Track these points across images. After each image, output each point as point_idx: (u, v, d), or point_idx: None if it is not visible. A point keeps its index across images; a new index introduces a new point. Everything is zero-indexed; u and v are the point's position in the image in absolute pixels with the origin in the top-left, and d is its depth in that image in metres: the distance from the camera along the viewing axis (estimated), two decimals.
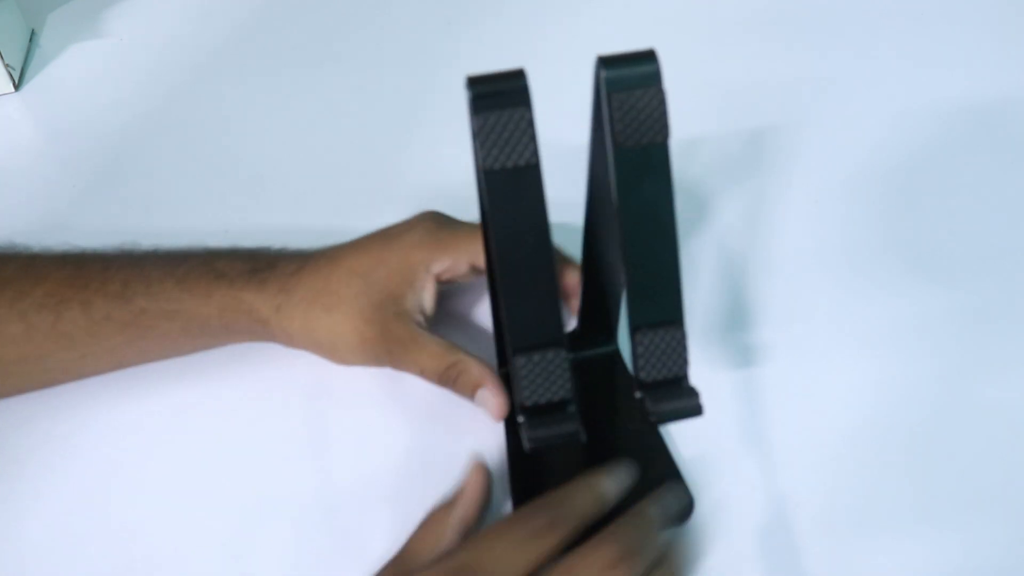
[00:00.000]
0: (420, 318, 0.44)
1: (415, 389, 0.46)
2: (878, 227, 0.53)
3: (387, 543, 0.41)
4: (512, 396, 0.39)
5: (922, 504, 0.41)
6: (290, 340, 0.45)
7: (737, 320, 0.48)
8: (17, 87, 0.67)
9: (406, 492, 0.42)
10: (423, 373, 0.44)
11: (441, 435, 0.44)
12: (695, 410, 0.36)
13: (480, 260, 0.44)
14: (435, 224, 0.45)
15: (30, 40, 0.71)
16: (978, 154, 0.56)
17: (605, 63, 0.34)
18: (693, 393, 0.37)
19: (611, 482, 0.38)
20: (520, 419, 0.36)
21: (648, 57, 0.34)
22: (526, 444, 0.36)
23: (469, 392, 0.43)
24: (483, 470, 0.40)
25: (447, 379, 0.43)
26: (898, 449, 0.43)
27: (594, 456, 0.41)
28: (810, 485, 0.42)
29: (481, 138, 0.33)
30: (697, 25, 0.68)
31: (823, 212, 0.54)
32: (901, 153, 0.57)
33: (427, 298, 0.44)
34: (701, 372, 0.46)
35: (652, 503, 0.38)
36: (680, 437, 0.44)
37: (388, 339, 0.43)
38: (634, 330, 0.36)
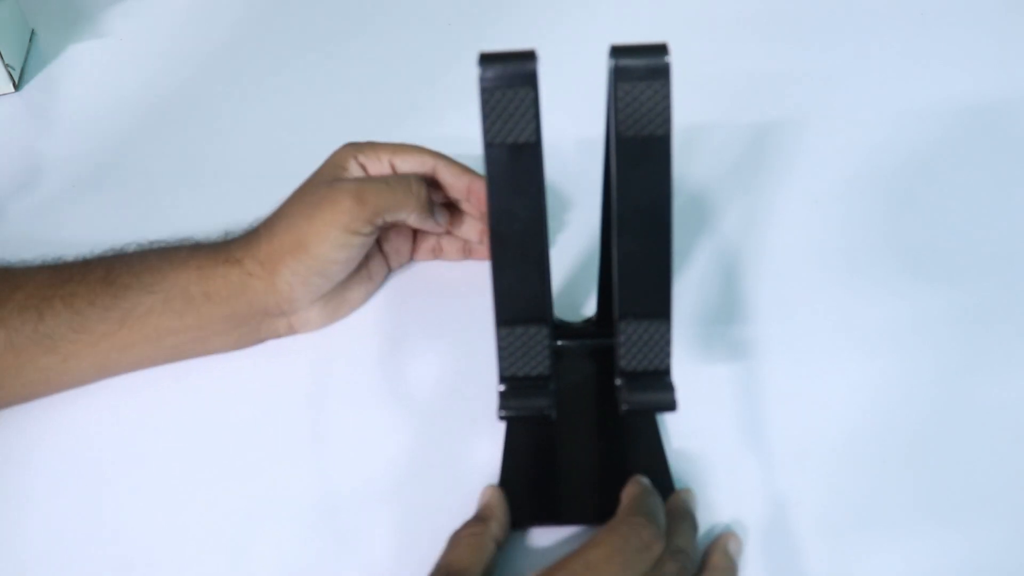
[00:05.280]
0: None
1: (415, 388, 0.46)
2: (878, 227, 0.53)
3: (387, 543, 0.41)
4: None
5: (921, 504, 0.41)
6: (263, 270, 0.45)
7: (735, 318, 0.48)
8: (17, 87, 0.67)
9: (406, 492, 0.42)
10: (391, 187, 0.45)
11: (441, 435, 0.44)
12: (669, 404, 0.37)
13: (398, 160, 0.47)
14: (357, 141, 0.48)
15: (30, 40, 0.71)
16: (979, 154, 0.56)
17: (616, 52, 0.35)
18: (670, 387, 0.37)
19: (648, 482, 0.40)
20: (500, 388, 0.38)
21: (659, 50, 0.35)
22: (499, 414, 0.37)
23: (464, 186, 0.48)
24: (498, 490, 0.41)
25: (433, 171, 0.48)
26: (898, 449, 0.43)
27: (601, 442, 0.43)
28: (809, 485, 0.42)
29: (486, 112, 0.35)
30: (697, 22, 0.68)
31: (823, 211, 0.54)
32: (901, 153, 0.57)
33: (360, 175, 0.47)
34: (698, 369, 0.46)
35: (689, 514, 0.40)
36: (679, 435, 0.44)
37: (339, 186, 0.45)
38: (619, 319, 0.37)
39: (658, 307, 0.37)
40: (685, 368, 0.46)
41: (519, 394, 0.38)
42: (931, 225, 0.53)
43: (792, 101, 0.61)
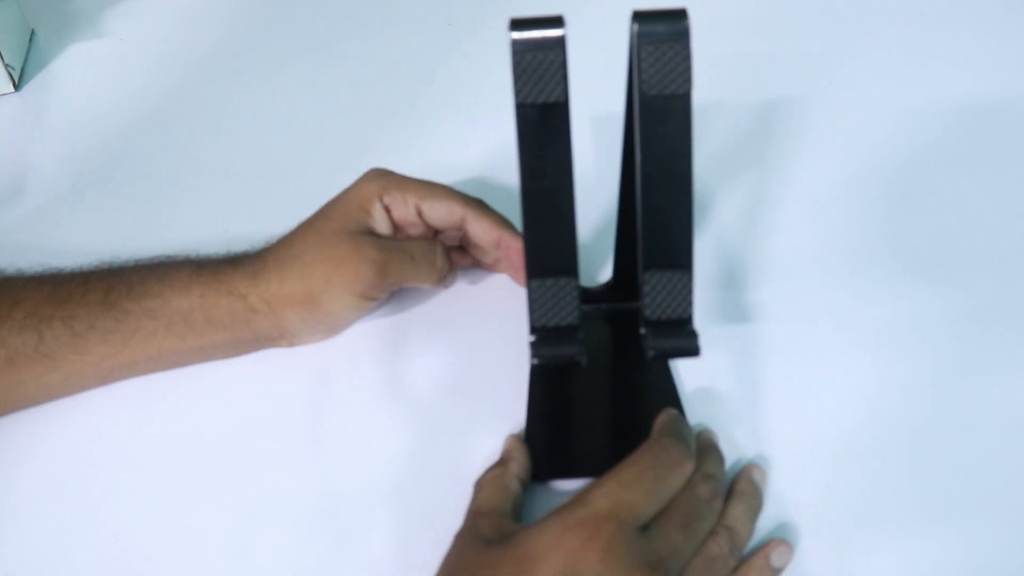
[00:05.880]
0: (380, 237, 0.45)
1: (416, 388, 0.46)
2: (878, 226, 0.53)
3: (388, 544, 0.41)
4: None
5: (921, 504, 0.41)
6: (270, 309, 0.44)
7: (735, 319, 0.48)
8: (17, 87, 0.67)
9: (406, 493, 0.42)
10: (415, 262, 0.45)
11: (441, 435, 0.44)
12: (692, 350, 0.39)
13: (426, 207, 0.45)
14: (385, 170, 0.47)
15: (30, 40, 0.71)
16: (979, 154, 0.56)
17: (638, 17, 0.37)
18: (693, 335, 0.39)
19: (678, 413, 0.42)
20: (531, 338, 0.39)
21: (679, 15, 0.37)
22: (532, 360, 0.39)
23: (490, 240, 0.46)
24: (518, 437, 0.43)
25: (458, 235, 0.47)
26: (897, 449, 0.43)
27: (620, 401, 0.45)
28: (809, 485, 0.42)
29: (517, 74, 0.36)
30: (696, 22, 0.67)
31: (823, 211, 0.54)
32: (902, 152, 0.57)
33: (383, 225, 0.45)
34: (697, 369, 0.46)
35: (714, 445, 0.42)
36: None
37: (363, 251, 0.44)
38: (643, 270, 0.38)
39: (680, 258, 0.39)
40: (687, 367, 0.46)
41: (550, 343, 0.39)
42: (931, 225, 0.53)
43: (791, 101, 0.61)
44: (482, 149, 0.57)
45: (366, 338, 0.49)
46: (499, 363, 0.46)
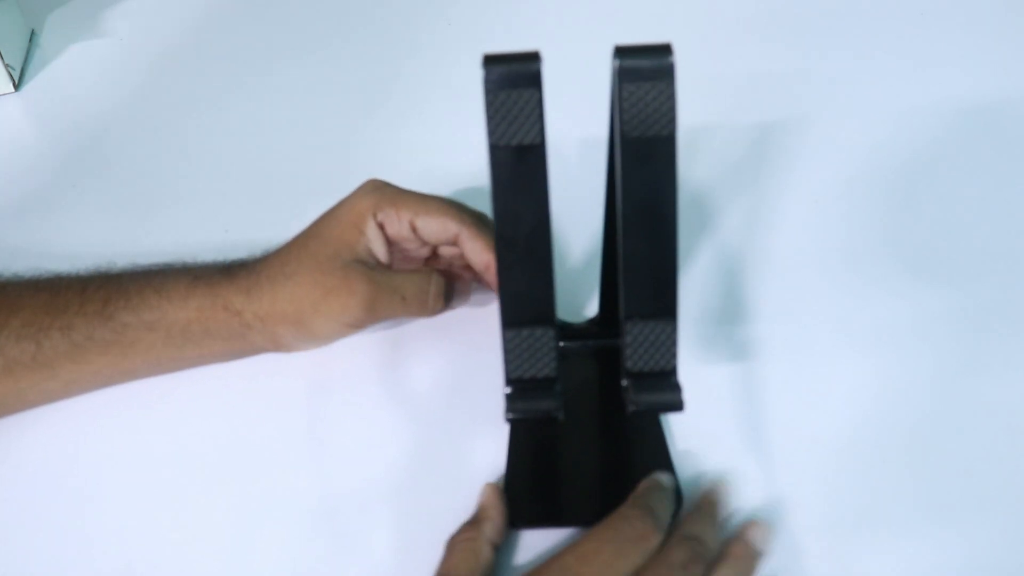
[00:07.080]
0: (374, 264, 0.45)
1: (415, 389, 0.46)
2: (878, 227, 0.53)
3: (388, 543, 0.41)
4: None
5: (921, 504, 0.41)
6: (263, 325, 0.44)
7: (736, 318, 0.48)
8: (17, 87, 0.67)
9: (406, 492, 0.42)
10: (406, 302, 0.44)
11: (441, 435, 0.44)
12: (676, 405, 0.37)
13: (419, 223, 0.44)
14: (382, 183, 0.46)
15: (30, 40, 0.71)
16: (979, 154, 0.56)
17: (620, 53, 0.34)
18: (677, 388, 0.37)
19: (669, 479, 0.40)
20: (506, 391, 0.37)
21: (664, 51, 0.34)
22: (507, 416, 0.37)
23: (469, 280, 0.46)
24: (496, 488, 0.41)
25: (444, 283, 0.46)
26: (897, 448, 0.43)
27: (606, 443, 0.43)
28: (809, 485, 0.42)
29: (490, 114, 0.34)
30: (697, 23, 0.68)
31: (823, 211, 0.54)
32: (901, 152, 0.57)
33: (378, 245, 0.44)
34: (698, 370, 0.46)
35: (711, 504, 0.40)
36: (680, 435, 0.44)
37: (352, 286, 0.43)
38: (625, 319, 0.37)
39: (664, 307, 0.37)
40: (687, 369, 0.46)
41: (526, 396, 0.37)
42: (931, 225, 0.53)
43: (792, 102, 0.61)
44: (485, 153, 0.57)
45: (366, 340, 0.48)
46: (499, 364, 0.46)
